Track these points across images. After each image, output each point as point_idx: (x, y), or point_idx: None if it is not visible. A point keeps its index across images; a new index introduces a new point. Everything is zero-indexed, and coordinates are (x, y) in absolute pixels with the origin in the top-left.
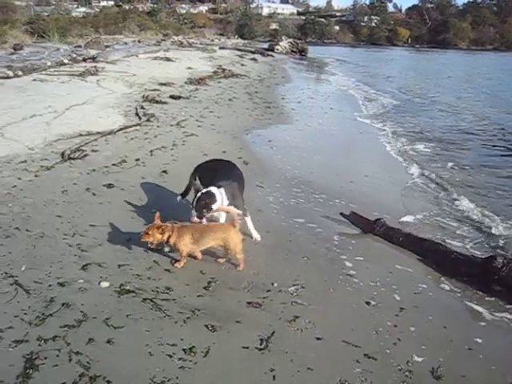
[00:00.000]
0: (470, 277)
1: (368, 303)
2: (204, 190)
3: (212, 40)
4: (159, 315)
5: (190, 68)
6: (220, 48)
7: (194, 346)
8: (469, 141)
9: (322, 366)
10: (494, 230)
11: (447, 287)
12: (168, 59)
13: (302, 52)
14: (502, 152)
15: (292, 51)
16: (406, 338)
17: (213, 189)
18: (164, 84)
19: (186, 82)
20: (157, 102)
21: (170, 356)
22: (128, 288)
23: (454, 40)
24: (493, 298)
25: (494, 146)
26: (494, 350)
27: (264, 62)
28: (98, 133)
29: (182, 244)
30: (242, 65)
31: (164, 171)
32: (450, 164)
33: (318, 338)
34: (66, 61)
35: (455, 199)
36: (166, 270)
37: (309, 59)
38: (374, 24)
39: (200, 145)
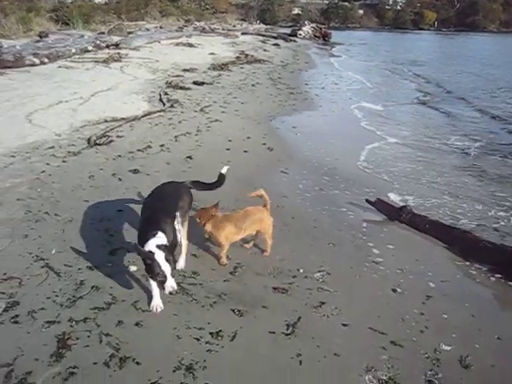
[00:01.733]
0: (499, 266)
1: (394, 291)
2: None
3: (234, 25)
4: (186, 299)
5: (212, 54)
6: (242, 33)
7: (220, 330)
8: None
9: (349, 352)
10: None
11: (475, 276)
12: (190, 45)
13: (326, 37)
14: None
15: (315, 36)
16: (433, 326)
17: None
18: (187, 70)
19: (208, 68)
20: (180, 87)
21: (198, 339)
22: None
23: (483, 22)
24: None
25: None
26: None
27: (287, 48)
28: (123, 119)
29: (223, 236)
30: (265, 50)
31: (188, 157)
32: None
33: (344, 325)
34: (90, 47)
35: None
36: (192, 254)
37: (332, 44)
38: (399, 7)
39: (224, 131)
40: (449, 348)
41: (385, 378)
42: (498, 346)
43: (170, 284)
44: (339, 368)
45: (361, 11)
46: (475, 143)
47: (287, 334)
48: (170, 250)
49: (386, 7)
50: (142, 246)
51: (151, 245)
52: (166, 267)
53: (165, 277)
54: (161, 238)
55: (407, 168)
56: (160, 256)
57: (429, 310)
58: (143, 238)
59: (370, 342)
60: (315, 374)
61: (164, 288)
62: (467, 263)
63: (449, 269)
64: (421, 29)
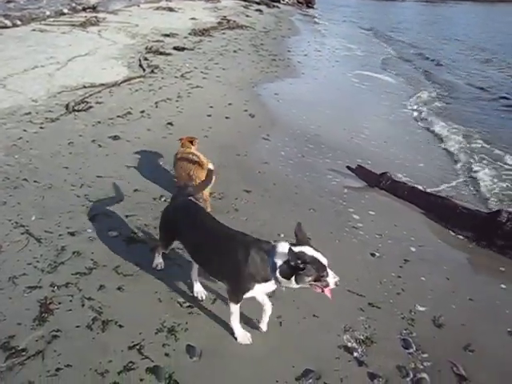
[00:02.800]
0: (475, 231)
1: (373, 255)
2: None
3: None
4: (168, 263)
5: (193, 19)
6: None
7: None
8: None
9: (327, 313)
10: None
11: (451, 241)
12: (171, 9)
13: (309, 3)
14: None
15: (298, 2)
16: (410, 288)
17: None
18: (167, 35)
19: (189, 33)
20: (161, 53)
21: (179, 303)
22: (136, 237)
23: None
24: (495, 252)
25: None
26: (494, 301)
27: (270, 14)
28: (102, 84)
29: None
30: (247, 16)
31: (169, 123)
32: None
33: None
34: (65, 10)
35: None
36: None
37: (316, 10)
38: None
39: (205, 97)
40: (423, 309)
41: (362, 337)
42: (469, 307)
43: (333, 275)
44: (318, 328)
45: None
46: None
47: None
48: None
49: None
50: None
51: (286, 247)
52: (322, 257)
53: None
54: (281, 243)
55: (388, 135)
56: (310, 249)
57: (406, 273)
58: (268, 249)
59: (349, 304)
60: (295, 334)
61: (329, 284)
62: (444, 229)
63: (426, 234)
64: None
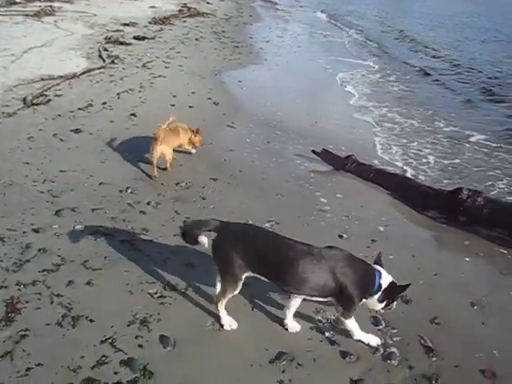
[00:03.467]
0: (438, 209)
1: (341, 236)
2: None
3: None
4: (137, 256)
5: (153, 7)
6: None
7: (173, 284)
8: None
9: None
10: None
11: (416, 219)
12: None
13: None
14: None
15: None
16: None
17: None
18: (127, 24)
19: (149, 22)
20: (121, 43)
21: (151, 294)
22: (104, 231)
23: None
24: (458, 228)
25: None
26: (459, 274)
27: (231, 0)
28: (61, 77)
29: None
30: (208, 3)
31: (132, 114)
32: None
33: None
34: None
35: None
36: (141, 212)
37: None
38: None
39: (168, 86)
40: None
41: (333, 317)
42: (434, 281)
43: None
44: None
45: None
46: None
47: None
48: None
49: None
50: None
51: (389, 279)
52: None
53: None
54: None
55: (351, 118)
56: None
57: (372, 252)
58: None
59: None
60: (267, 319)
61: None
62: (408, 208)
63: (392, 214)
64: None
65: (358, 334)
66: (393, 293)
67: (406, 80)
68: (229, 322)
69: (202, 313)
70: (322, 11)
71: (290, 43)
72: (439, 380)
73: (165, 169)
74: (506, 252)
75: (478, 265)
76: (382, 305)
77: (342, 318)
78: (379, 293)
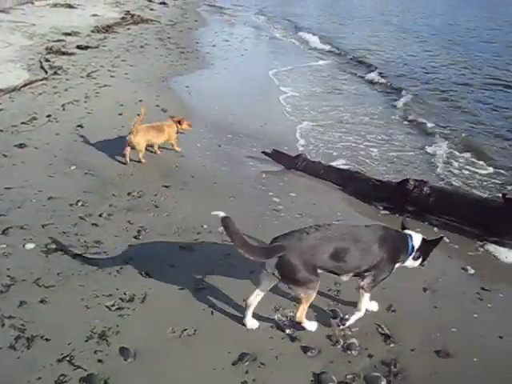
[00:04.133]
0: (388, 200)
1: None
2: None
3: None
4: (91, 269)
5: (95, 15)
6: None
7: (130, 294)
8: None
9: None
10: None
11: (368, 212)
12: (70, 6)
13: None
14: None
15: None
16: None
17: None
18: (68, 34)
19: (92, 31)
20: (63, 53)
21: (108, 307)
22: (55, 247)
23: None
24: (408, 217)
25: None
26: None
27: (175, 6)
28: (1, 90)
29: None
30: (152, 9)
31: (79, 125)
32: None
33: (251, 272)
34: None
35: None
36: (93, 224)
37: (223, 0)
38: None
39: (115, 95)
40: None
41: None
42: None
43: None
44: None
45: None
46: None
47: (196, 289)
48: None
49: None
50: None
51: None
52: None
53: None
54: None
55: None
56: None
57: None
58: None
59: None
60: (227, 321)
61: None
62: (359, 201)
63: (344, 208)
64: None
65: (364, 308)
66: (426, 249)
67: (349, 79)
68: (313, 325)
69: (162, 321)
70: (267, 14)
71: (237, 47)
72: (397, 365)
73: (139, 161)
74: (453, 237)
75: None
76: (419, 261)
77: (365, 291)
78: (413, 253)
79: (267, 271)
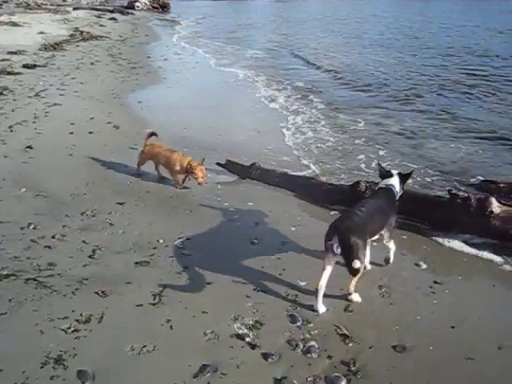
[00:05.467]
0: (342, 203)
1: (253, 243)
2: None
3: (64, 0)
4: (45, 292)
5: (42, 33)
6: (74, 9)
7: (86, 315)
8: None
9: (216, 307)
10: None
11: (323, 216)
12: (15, 24)
13: (165, 7)
14: None
15: (153, 7)
16: (290, 267)
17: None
18: (14, 52)
19: (39, 49)
20: (8, 73)
21: (64, 330)
22: (6, 272)
23: None
24: None
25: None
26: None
27: (125, 21)
28: None
29: None
30: (101, 25)
31: (28, 146)
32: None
33: (209, 283)
34: None
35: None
36: (46, 246)
37: (173, 14)
38: None
39: (65, 114)
40: (305, 283)
41: (251, 322)
42: (345, 272)
43: None
44: (208, 323)
45: None
46: None
47: (154, 304)
48: None
49: None
50: None
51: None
52: None
53: None
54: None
55: (251, 126)
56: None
57: (284, 254)
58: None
59: (235, 294)
60: (186, 334)
61: None
62: (314, 206)
63: (299, 214)
64: None
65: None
66: (404, 181)
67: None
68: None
69: (121, 339)
70: (218, 26)
71: (189, 60)
72: (356, 363)
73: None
74: (405, 235)
75: (382, 250)
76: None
77: (391, 241)
78: (398, 195)
79: (332, 252)
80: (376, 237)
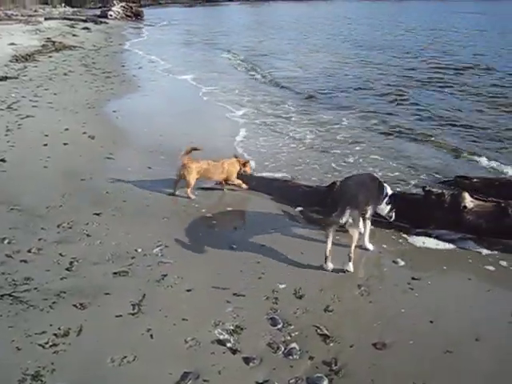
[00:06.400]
0: (319, 204)
1: (232, 248)
2: None
3: (35, 10)
4: (21, 308)
5: (13, 44)
6: (46, 19)
7: (65, 328)
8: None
9: (196, 313)
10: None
11: (299, 219)
12: None
13: (138, 16)
14: None
15: (127, 16)
16: (269, 270)
17: None
18: None
19: (10, 61)
20: None
21: (41, 345)
22: None
23: None
24: None
25: None
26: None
27: (98, 31)
28: None
29: None
30: (74, 35)
31: (1, 160)
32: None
33: (189, 290)
34: None
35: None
36: (21, 261)
37: (146, 22)
38: None
39: (38, 126)
40: (284, 286)
41: (232, 327)
42: (322, 273)
43: None
44: (189, 330)
45: None
46: None
47: (134, 314)
48: None
49: None
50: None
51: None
52: None
53: None
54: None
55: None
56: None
57: (263, 257)
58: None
59: (215, 299)
60: (167, 342)
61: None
62: (292, 208)
63: (276, 217)
64: (231, 0)
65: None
66: (395, 201)
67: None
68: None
69: (100, 351)
70: (192, 33)
71: (163, 67)
72: (338, 362)
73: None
74: (382, 233)
75: (360, 251)
76: (388, 208)
77: (368, 220)
78: (386, 198)
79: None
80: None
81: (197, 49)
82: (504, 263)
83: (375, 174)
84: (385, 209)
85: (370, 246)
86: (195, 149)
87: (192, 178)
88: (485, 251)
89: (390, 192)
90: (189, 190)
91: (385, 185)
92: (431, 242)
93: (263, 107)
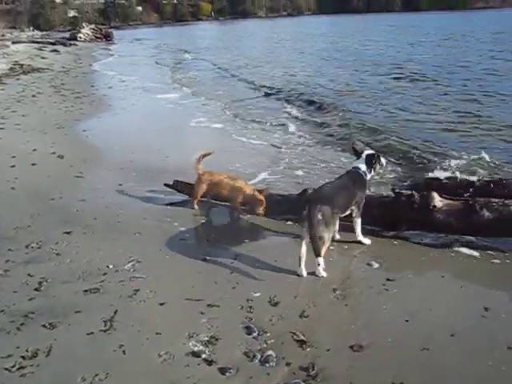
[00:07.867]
0: (292, 213)
1: (205, 260)
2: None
3: (2, 35)
4: None
5: None
6: (13, 43)
7: (33, 350)
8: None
9: (170, 327)
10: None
11: (275, 227)
12: None
13: (108, 37)
14: None
15: (96, 38)
16: (243, 280)
17: None
18: None
19: None
20: None
21: (7, 369)
22: None
23: (252, 9)
24: None
25: None
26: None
27: (67, 53)
28: None
29: None
30: (43, 58)
31: None
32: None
33: (161, 304)
34: None
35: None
36: None
37: (116, 44)
38: (176, 1)
39: (5, 147)
40: (259, 294)
41: (207, 338)
42: (296, 280)
43: None
44: (162, 344)
45: (140, 8)
46: None
47: (106, 330)
48: None
49: (164, 2)
50: None
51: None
52: None
53: None
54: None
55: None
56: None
57: (237, 267)
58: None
59: (189, 312)
60: (140, 357)
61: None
62: (266, 218)
63: (249, 228)
64: (200, 19)
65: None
66: (372, 161)
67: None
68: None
69: (70, 370)
70: (164, 51)
71: (134, 86)
72: (315, 367)
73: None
74: (355, 237)
75: (334, 255)
76: (372, 173)
77: (359, 217)
78: (366, 175)
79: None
80: (348, 212)
81: (166, 66)
82: (475, 260)
83: (358, 170)
84: (369, 176)
85: (366, 241)
86: (206, 154)
87: (201, 189)
88: (456, 249)
89: (363, 167)
90: (194, 201)
91: (358, 168)
92: (404, 243)
93: (237, 120)
